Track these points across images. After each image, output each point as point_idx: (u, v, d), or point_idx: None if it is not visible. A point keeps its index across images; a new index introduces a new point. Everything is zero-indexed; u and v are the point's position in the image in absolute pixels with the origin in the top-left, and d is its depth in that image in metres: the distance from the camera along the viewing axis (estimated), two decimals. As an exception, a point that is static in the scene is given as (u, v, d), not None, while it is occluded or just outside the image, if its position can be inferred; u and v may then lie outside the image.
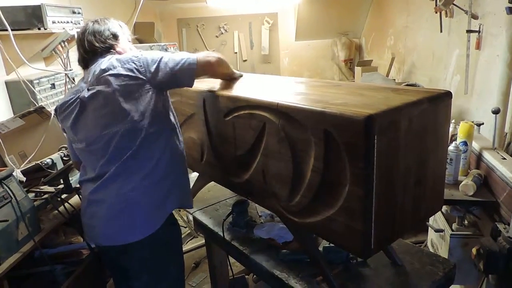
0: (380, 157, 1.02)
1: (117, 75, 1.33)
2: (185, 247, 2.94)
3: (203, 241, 2.67)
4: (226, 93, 1.51)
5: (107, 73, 1.34)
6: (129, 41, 1.59)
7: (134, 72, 1.34)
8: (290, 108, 1.21)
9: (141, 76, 1.35)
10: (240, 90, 1.53)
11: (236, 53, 5.53)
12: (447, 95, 1.21)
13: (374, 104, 1.09)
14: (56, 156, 1.91)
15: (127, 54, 1.43)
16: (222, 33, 5.45)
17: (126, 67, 1.35)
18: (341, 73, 5.53)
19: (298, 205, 1.27)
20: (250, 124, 1.39)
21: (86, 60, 1.48)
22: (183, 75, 1.38)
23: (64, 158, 1.96)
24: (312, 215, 1.23)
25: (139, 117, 1.35)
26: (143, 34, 4.19)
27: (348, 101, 1.16)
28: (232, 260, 1.79)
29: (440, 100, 1.20)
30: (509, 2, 1.90)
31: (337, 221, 1.14)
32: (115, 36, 1.50)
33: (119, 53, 1.48)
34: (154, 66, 1.35)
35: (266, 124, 1.32)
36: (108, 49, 1.47)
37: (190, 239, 3.07)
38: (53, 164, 1.88)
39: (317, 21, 5.25)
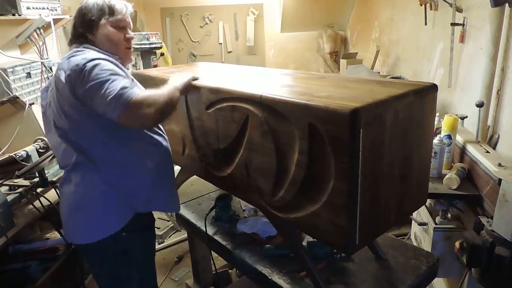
0: (366, 151, 1.00)
1: (59, 80, 1.21)
2: (167, 241, 2.90)
3: (186, 234, 2.63)
4: (208, 84, 1.46)
5: (56, 73, 1.24)
6: (120, 28, 1.36)
7: (68, 82, 1.19)
8: (274, 100, 1.17)
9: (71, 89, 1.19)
10: (223, 81, 1.48)
11: (220, 44, 5.45)
12: (433, 88, 1.19)
13: (360, 97, 1.06)
14: (31, 148, 1.84)
15: (83, 56, 1.21)
16: (206, 24, 5.36)
17: (68, 73, 1.19)
18: (326, 66, 5.51)
19: (282, 200, 1.24)
20: (232, 116, 1.35)
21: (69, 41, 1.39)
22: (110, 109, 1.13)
23: (40, 150, 1.89)
24: (296, 210, 1.21)
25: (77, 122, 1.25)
26: (124, 23, 4.06)
27: (333, 94, 1.13)
28: (215, 254, 1.76)
29: (426, 93, 1.18)
30: (494, -5, 1.89)
31: (322, 217, 1.12)
32: (89, 24, 1.32)
33: (94, 45, 1.33)
34: (88, 85, 1.15)
35: (249, 116, 1.28)
36: (77, 37, 1.34)
37: (173, 233, 3.02)
38: (28, 157, 1.80)
39: (303, 13, 5.22)
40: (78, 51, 1.26)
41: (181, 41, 5.36)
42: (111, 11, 1.34)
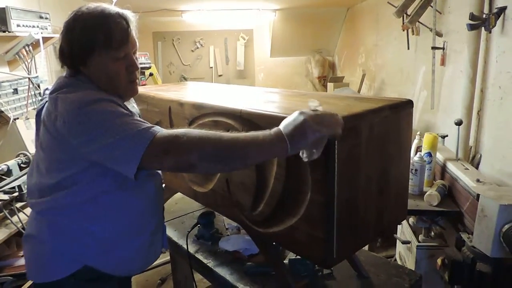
0: (341, 163, 1.01)
1: (51, 124, 1.01)
2: (151, 263, 2.83)
3: (170, 256, 2.57)
4: (191, 100, 1.48)
5: (47, 111, 1.03)
6: (121, 57, 1.08)
7: (54, 133, 1.00)
8: (253, 114, 1.19)
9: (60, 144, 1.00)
10: (206, 97, 1.50)
11: (211, 68, 5.54)
12: (409, 103, 1.22)
13: (336, 111, 1.08)
14: (12, 163, 1.82)
15: (77, 99, 0.97)
16: (197, 48, 5.46)
17: (61, 122, 0.97)
18: (315, 90, 5.61)
19: (261, 214, 1.24)
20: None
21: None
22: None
23: (22, 165, 1.87)
24: (275, 225, 1.20)
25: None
26: (115, 45, 4.12)
27: (311, 108, 1.15)
28: (199, 277, 1.72)
29: (401, 108, 1.21)
30: (469, 19, 1.97)
31: (300, 230, 1.11)
32: (79, 56, 1.04)
33: (90, 78, 1.08)
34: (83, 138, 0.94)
35: (231, 131, 1.28)
36: (68, 66, 1.08)
37: (158, 254, 2.97)
38: (9, 171, 1.78)
39: (292, 38, 5.35)
40: (71, 87, 1.04)
41: (172, 64, 5.43)
42: (108, 39, 1.03)
